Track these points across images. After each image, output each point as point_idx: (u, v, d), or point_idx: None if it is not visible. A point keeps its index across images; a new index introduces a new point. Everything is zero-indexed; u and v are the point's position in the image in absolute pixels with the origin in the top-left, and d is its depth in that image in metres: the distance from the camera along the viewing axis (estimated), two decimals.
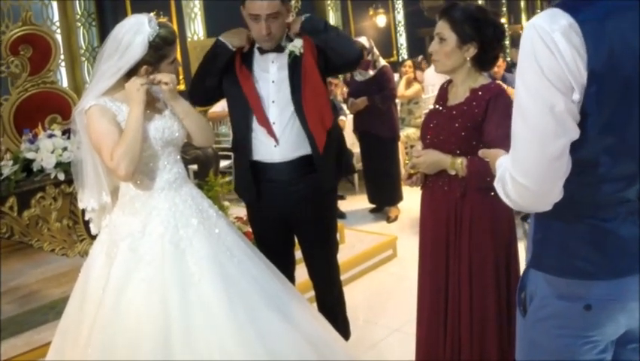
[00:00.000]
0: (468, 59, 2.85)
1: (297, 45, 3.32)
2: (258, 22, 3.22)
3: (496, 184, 1.90)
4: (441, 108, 3.00)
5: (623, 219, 1.81)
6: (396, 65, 10.40)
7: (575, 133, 1.70)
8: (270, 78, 3.37)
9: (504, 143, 2.65)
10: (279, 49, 3.36)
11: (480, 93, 2.84)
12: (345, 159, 3.75)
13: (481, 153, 2.28)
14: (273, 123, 3.34)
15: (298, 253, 3.74)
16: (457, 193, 2.89)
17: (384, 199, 7.23)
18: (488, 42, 2.83)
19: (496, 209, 2.87)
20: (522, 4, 19.87)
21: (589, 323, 1.85)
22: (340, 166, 3.66)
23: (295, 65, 3.33)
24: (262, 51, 3.37)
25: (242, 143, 3.41)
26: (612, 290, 1.82)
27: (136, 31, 2.74)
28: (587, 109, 1.69)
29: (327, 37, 3.33)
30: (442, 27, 2.85)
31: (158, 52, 2.78)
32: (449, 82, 3.04)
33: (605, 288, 1.82)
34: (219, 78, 3.42)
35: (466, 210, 2.89)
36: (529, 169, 1.74)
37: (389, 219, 7.07)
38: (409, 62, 8.97)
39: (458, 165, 2.81)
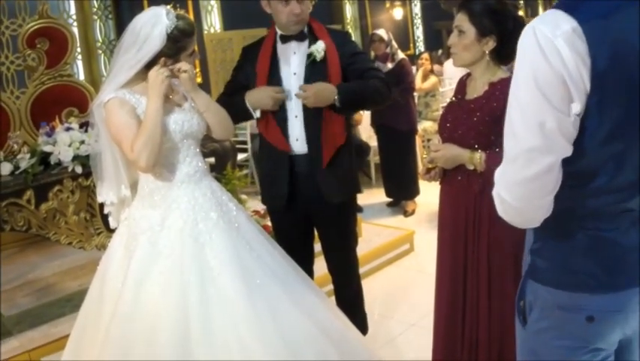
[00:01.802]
0: (487, 52, 2.82)
1: (318, 49, 3.30)
2: (288, 4, 3.23)
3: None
4: (459, 102, 2.98)
5: (626, 229, 1.75)
6: (414, 58, 10.36)
7: (565, 151, 1.64)
8: (292, 70, 3.37)
9: None
10: (301, 36, 3.37)
11: (499, 87, 2.80)
12: (354, 177, 3.71)
13: None
14: (295, 117, 3.35)
15: (317, 247, 3.73)
16: (476, 188, 2.85)
17: (401, 193, 7.20)
18: (507, 35, 2.78)
19: None
20: None
21: (591, 333, 1.81)
22: (349, 183, 3.61)
23: (315, 69, 3.32)
24: (284, 39, 3.37)
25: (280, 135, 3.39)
26: (614, 302, 1.77)
27: (154, 24, 2.72)
28: (588, 118, 1.61)
29: (363, 107, 3.41)
30: (461, 19, 2.82)
31: (177, 44, 2.77)
32: (468, 75, 3.01)
33: (607, 300, 1.77)
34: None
35: (485, 205, 2.84)
36: (511, 185, 1.70)
37: (406, 213, 7.04)
38: (425, 55, 8.93)
39: (477, 159, 2.79)
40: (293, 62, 3.37)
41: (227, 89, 3.57)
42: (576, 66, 1.55)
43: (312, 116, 3.33)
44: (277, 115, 3.36)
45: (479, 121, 2.81)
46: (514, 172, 1.68)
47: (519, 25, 2.80)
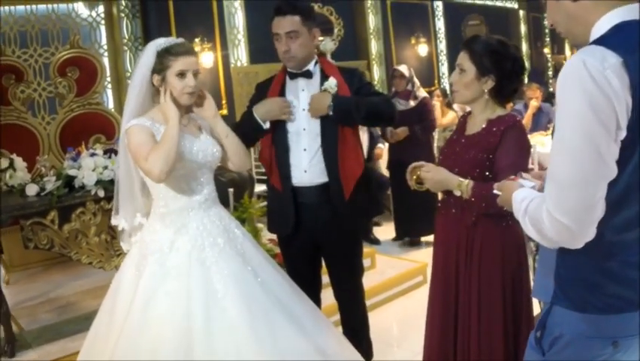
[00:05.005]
0: (486, 91, 2.89)
1: (331, 85, 3.39)
2: (279, 41, 3.37)
3: (522, 219, 1.92)
4: (457, 137, 3.06)
5: None
6: None
7: (614, 173, 1.74)
8: (301, 106, 3.47)
9: (510, 171, 2.67)
10: (307, 74, 3.48)
11: (496, 124, 2.88)
12: (375, 200, 3.84)
13: (497, 186, 2.27)
14: (304, 150, 3.45)
15: (326, 278, 3.80)
16: (469, 221, 2.91)
17: (411, 230, 7.24)
18: (506, 76, 2.87)
19: (507, 237, 2.90)
20: None
21: (617, 359, 1.87)
22: (369, 208, 3.77)
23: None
24: (292, 76, 3.50)
25: (282, 168, 3.50)
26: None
27: (152, 44, 2.94)
28: (626, 147, 1.73)
29: (359, 116, 3.41)
30: (463, 58, 2.92)
31: (162, 60, 2.90)
32: (469, 113, 3.09)
33: (633, 322, 1.84)
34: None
35: (477, 237, 2.91)
36: (572, 209, 1.74)
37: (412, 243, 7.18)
38: (437, 91, 9.00)
39: (464, 186, 2.82)
40: (302, 98, 3.47)
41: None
42: (624, 96, 1.68)
43: (329, 148, 3.42)
44: (286, 147, 3.46)
45: (475, 156, 2.88)
46: (575, 196, 1.73)
47: (518, 66, 2.91)
